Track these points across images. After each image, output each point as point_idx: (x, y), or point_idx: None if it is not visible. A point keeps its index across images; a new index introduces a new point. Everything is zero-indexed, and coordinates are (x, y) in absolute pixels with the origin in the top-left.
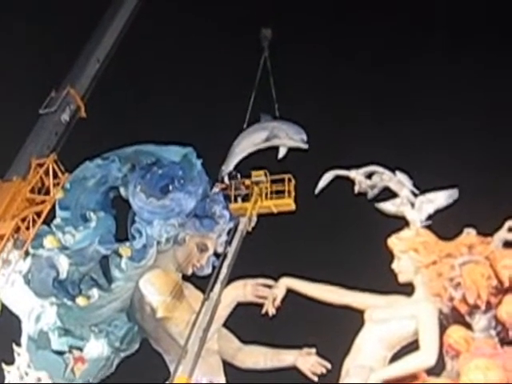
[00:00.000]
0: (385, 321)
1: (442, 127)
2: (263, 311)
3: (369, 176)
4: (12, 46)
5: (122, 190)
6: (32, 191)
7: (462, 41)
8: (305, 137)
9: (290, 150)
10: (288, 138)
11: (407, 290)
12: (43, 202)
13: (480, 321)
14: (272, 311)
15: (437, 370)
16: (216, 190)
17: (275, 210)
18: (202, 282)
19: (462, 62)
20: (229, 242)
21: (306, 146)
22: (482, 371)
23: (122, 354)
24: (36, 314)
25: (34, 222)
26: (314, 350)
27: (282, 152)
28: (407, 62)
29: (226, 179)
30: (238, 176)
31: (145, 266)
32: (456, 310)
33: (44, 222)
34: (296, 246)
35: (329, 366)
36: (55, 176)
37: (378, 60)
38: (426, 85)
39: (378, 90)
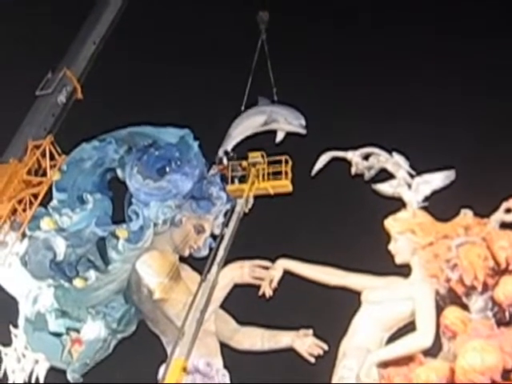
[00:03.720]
0: (382, 302)
1: (439, 109)
2: (260, 293)
3: (366, 157)
4: (8, 28)
5: (118, 172)
6: (29, 173)
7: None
8: (303, 122)
9: (288, 133)
10: (286, 122)
11: (404, 271)
12: (40, 183)
13: (477, 302)
14: (269, 293)
15: (433, 351)
16: (213, 171)
17: (272, 192)
18: (198, 264)
19: (461, 42)
20: (226, 224)
21: (304, 132)
22: (478, 352)
23: (119, 336)
24: (33, 295)
25: (31, 203)
26: (310, 332)
27: (279, 136)
28: (406, 44)
29: (224, 160)
30: (235, 157)
31: (142, 248)
32: (453, 291)
33: (41, 204)
34: (293, 227)
35: (326, 347)
36: (52, 158)
37: (375, 43)
38: (423, 66)
39: (376, 72)
